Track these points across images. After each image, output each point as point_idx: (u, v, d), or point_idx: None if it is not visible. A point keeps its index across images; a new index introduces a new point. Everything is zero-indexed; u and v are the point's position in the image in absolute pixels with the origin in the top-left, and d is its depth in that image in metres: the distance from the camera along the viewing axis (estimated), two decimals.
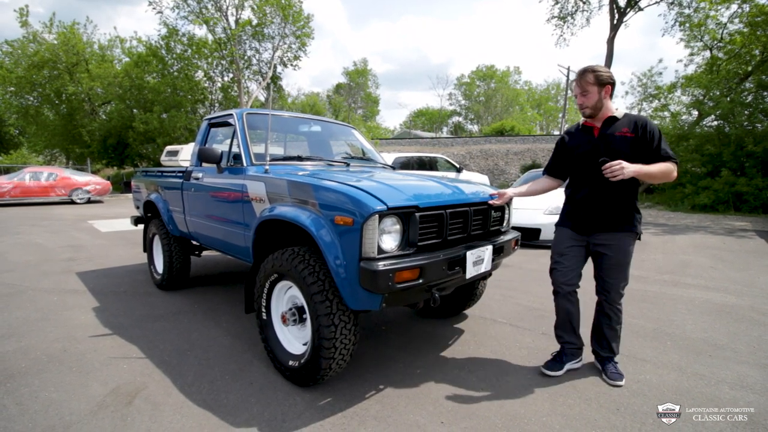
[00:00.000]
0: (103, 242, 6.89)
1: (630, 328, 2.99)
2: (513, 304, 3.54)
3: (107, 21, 69.03)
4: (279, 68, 24.11)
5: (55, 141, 25.09)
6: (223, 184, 2.79)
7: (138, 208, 4.64)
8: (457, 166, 10.77)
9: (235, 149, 2.81)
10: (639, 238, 2.22)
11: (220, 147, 3.19)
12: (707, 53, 14.39)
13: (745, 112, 12.00)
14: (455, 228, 2.18)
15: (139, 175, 4.56)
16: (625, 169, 1.97)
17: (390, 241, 1.85)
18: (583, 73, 2.12)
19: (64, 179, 13.84)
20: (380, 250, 1.79)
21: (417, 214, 1.90)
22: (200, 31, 27.62)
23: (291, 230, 2.38)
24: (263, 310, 2.32)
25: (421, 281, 1.85)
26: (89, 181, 14.45)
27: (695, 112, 13.84)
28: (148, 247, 4.26)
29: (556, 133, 48.80)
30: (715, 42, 13.98)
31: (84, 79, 21.45)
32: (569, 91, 38.74)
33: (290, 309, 2.16)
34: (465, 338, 2.82)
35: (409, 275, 1.80)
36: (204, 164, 3.13)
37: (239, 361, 2.46)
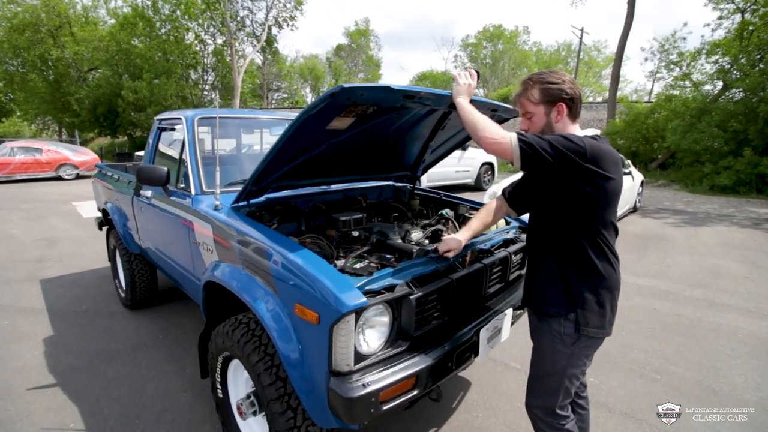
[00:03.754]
0: (80, 233, 6.41)
1: (669, 380, 2.51)
2: (527, 337, 3.04)
3: None
4: (274, 29, 22.68)
5: (44, 109, 24.17)
6: (171, 215, 2.22)
7: (99, 210, 4.09)
8: None
9: (184, 166, 2.22)
10: (578, 330, 1.33)
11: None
12: (738, 17, 13.13)
13: None
14: (466, 293, 1.64)
15: (98, 171, 3.99)
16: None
17: (374, 339, 1.32)
18: (524, 85, 1.39)
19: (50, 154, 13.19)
20: (359, 356, 1.26)
21: (413, 297, 1.35)
22: None
23: None
24: (218, 387, 1.83)
25: (416, 392, 1.33)
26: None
27: (720, 83, 12.80)
28: (111, 258, 3.76)
29: None
30: (748, 4, 12.68)
31: (68, 43, 20.29)
32: (582, 54, 36.69)
33: (248, 397, 1.67)
34: (472, 399, 2.34)
35: (400, 388, 1.29)
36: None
37: None
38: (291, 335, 1.33)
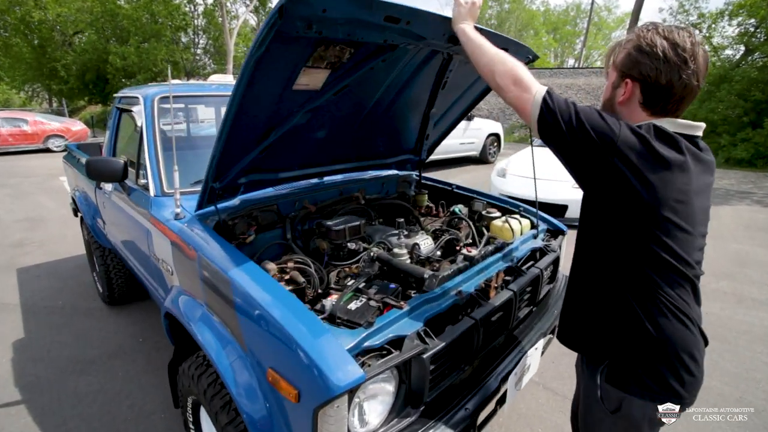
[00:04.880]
0: (66, 213, 6.07)
1: (706, 397, 2.23)
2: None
3: None
4: None
5: (30, 75, 23.18)
6: (131, 216, 1.85)
7: (71, 197, 3.73)
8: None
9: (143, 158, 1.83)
10: (619, 387, 1.02)
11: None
12: None
13: None
14: (491, 330, 1.31)
15: (67, 153, 3.59)
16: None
17: (375, 415, 1.00)
18: (627, 36, 0.98)
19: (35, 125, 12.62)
20: None
21: (426, 356, 1.02)
22: None
23: None
24: (191, 427, 1.54)
25: None
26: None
27: (742, 48, 12.00)
28: (87, 249, 3.44)
29: (572, 62, 44.91)
30: None
31: (50, 5, 19.08)
32: (593, 15, 34.80)
33: None
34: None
35: None
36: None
37: None
38: (261, 402, 1.01)
